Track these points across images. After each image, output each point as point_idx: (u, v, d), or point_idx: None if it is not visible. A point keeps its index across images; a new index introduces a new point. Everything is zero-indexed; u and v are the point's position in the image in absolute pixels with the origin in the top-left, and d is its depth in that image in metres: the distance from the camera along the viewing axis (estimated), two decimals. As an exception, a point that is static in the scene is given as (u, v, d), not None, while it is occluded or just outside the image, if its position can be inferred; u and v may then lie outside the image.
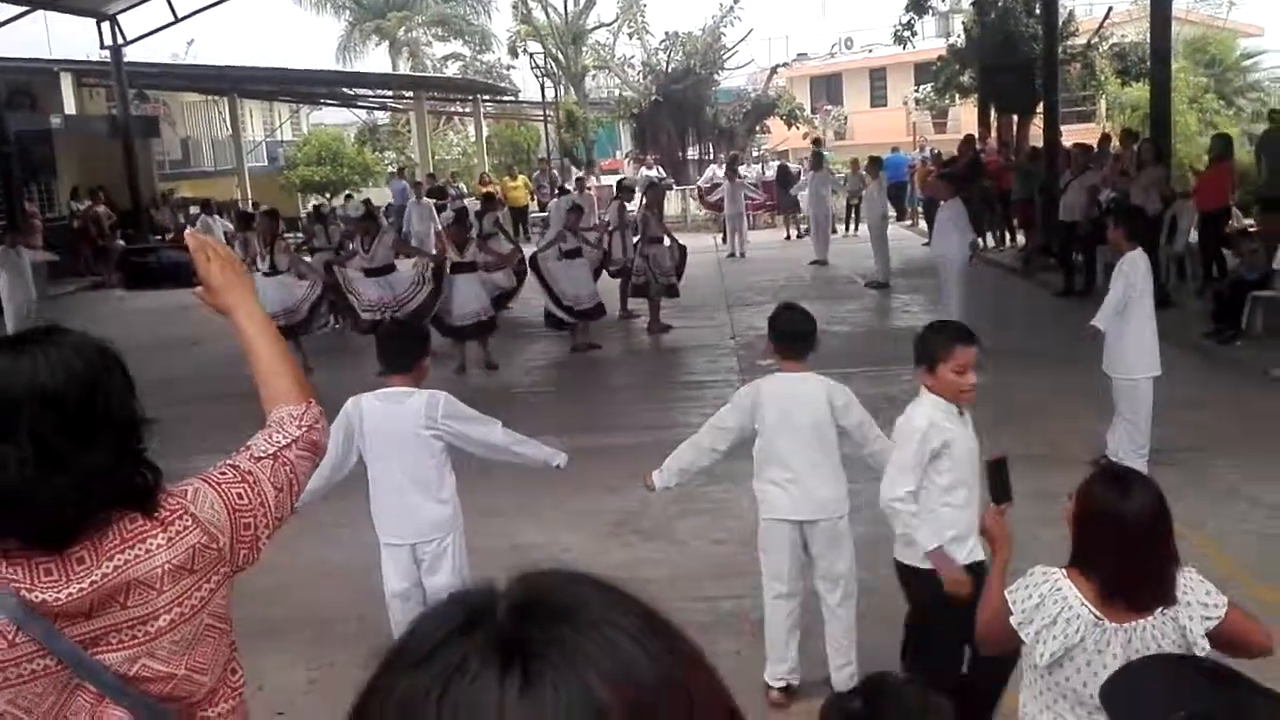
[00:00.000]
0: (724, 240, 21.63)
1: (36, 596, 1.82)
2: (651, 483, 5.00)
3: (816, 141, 26.43)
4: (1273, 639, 2.82)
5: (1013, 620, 2.87)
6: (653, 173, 27.72)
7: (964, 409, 4.34)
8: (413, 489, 4.67)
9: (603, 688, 0.68)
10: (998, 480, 3.35)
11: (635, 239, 14.00)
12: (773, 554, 4.92)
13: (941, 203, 12.41)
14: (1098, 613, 2.78)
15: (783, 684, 4.90)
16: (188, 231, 2.37)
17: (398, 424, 4.62)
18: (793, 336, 4.82)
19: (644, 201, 14.65)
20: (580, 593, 0.74)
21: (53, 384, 1.84)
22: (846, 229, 22.52)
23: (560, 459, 4.97)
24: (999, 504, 3.30)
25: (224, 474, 2.07)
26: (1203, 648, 2.76)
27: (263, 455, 2.13)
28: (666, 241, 13.92)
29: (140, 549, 1.90)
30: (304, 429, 2.20)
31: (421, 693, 0.69)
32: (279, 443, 2.16)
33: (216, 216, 20.34)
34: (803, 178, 21.58)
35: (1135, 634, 2.77)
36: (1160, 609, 2.77)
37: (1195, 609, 2.77)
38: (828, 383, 4.80)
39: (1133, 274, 7.11)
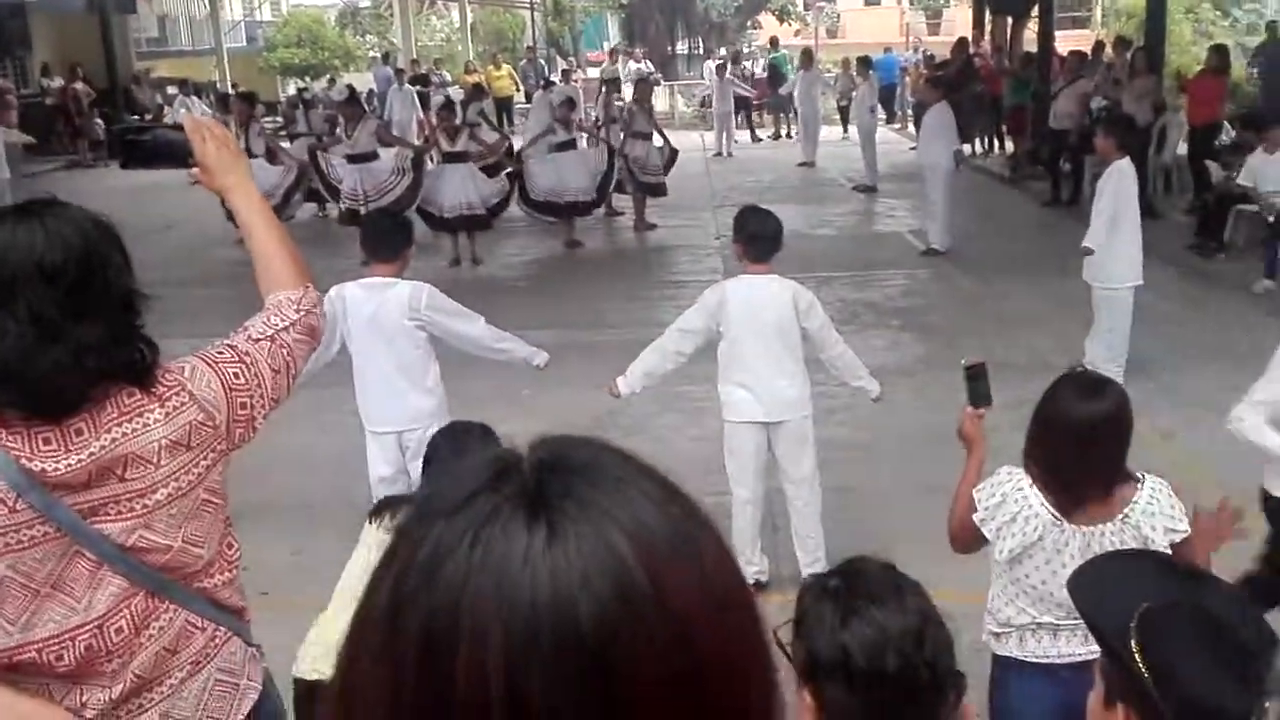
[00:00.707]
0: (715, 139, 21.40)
1: (36, 465, 1.85)
2: (616, 389, 5.04)
3: (774, 41, 26.46)
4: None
5: (975, 517, 2.96)
6: (640, 66, 27.29)
7: None
8: (397, 377, 4.71)
9: (621, 540, 0.71)
10: (976, 385, 3.39)
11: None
12: (739, 457, 4.98)
13: (929, 107, 12.31)
14: (1057, 514, 2.85)
15: (751, 582, 5.01)
16: (182, 113, 2.35)
17: (381, 313, 4.63)
18: (759, 238, 4.81)
19: (633, 95, 14.44)
20: (600, 455, 0.78)
21: (51, 256, 1.84)
22: (844, 130, 22.23)
23: (541, 358, 5.02)
24: (977, 408, 3.35)
25: (221, 353, 2.09)
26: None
27: (260, 337, 2.14)
28: (657, 140, 13.70)
29: (138, 423, 1.92)
30: (302, 313, 2.21)
31: (455, 538, 0.72)
32: (276, 325, 2.17)
33: (194, 98, 19.90)
34: (791, 77, 21.27)
35: (1094, 537, 2.84)
36: (1122, 515, 2.84)
37: (1159, 519, 2.84)
38: (793, 285, 4.86)
39: (1120, 183, 7.12)
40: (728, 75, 21.54)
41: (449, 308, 4.76)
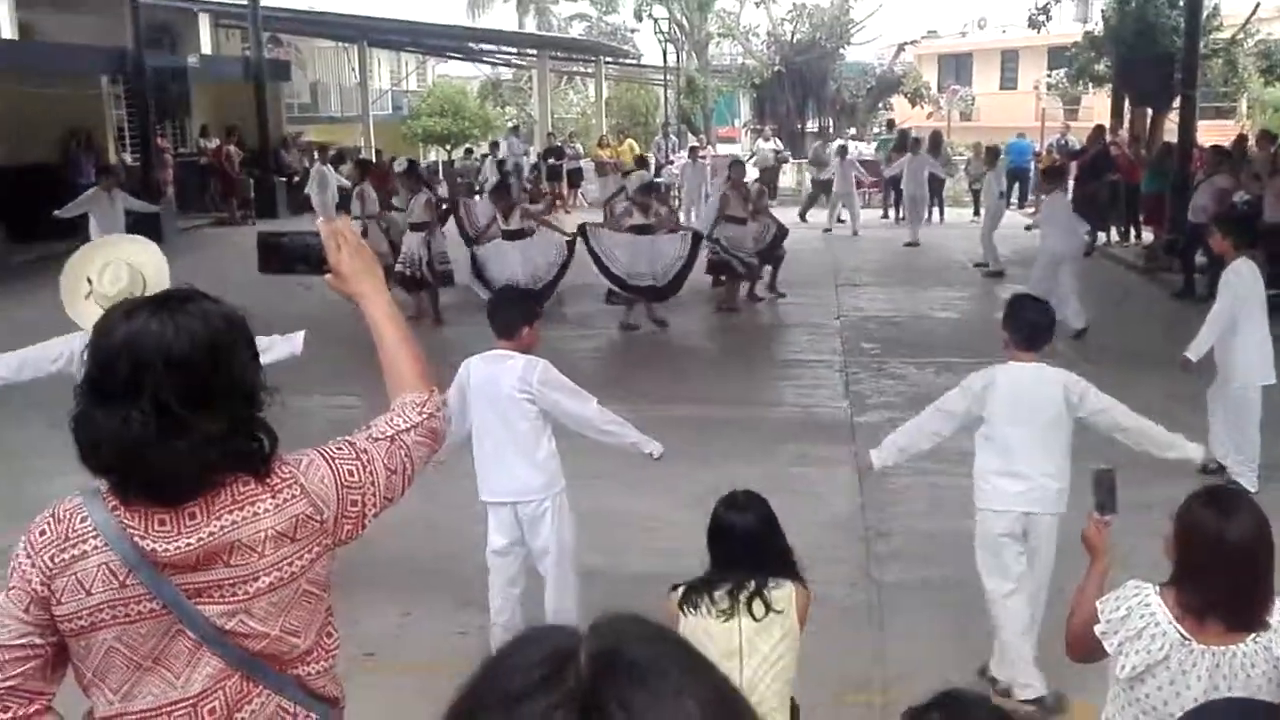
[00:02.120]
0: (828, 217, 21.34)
1: (149, 545, 1.94)
2: (870, 461, 5.02)
3: (889, 124, 26.61)
4: None
5: (1098, 629, 2.85)
6: (769, 144, 27.49)
7: None
8: (509, 449, 4.79)
9: None
10: (1104, 492, 3.30)
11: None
12: (994, 548, 4.80)
13: (1042, 197, 12.61)
14: (1185, 632, 2.74)
15: (1034, 694, 4.66)
16: (319, 220, 2.45)
17: (497, 385, 4.74)
18: (1031, 327, 4.77)
19: (727, 178, 14.36)
20: (660, 654, 0.77)
21: (179, 349, 1.93)
22: (975, 213, 21.93)
23: (654, 447, 5.02)
24: (1103, 515, 3.26)
25: (339, 449, 2.14)
26: None
27: (381, 437, 2.18)
28: (755, 222, 13.50)
29: (249, 511, 1.99)
30: (425, 416, 2.24)
31: None
32: (399, 426, 2.21)
33: (329, 167, 20.29)
34: (895, 160, 21.22)
35: (1224, 658, 2.72)
36: (1253, 636, 2.72)
37: None
38: (1064, 374, 4.76)
39: (1238, 285, 7.02)
40: (848, 157, 21.59)
41: (562, 383, 4.82)
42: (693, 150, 24.71)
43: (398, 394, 2.28)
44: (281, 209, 23.22)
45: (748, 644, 3.23)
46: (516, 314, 4.89)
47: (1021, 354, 4.76)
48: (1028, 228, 15.42)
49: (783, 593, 3.29)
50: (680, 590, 3.34)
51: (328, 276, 2.30)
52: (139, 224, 13.25)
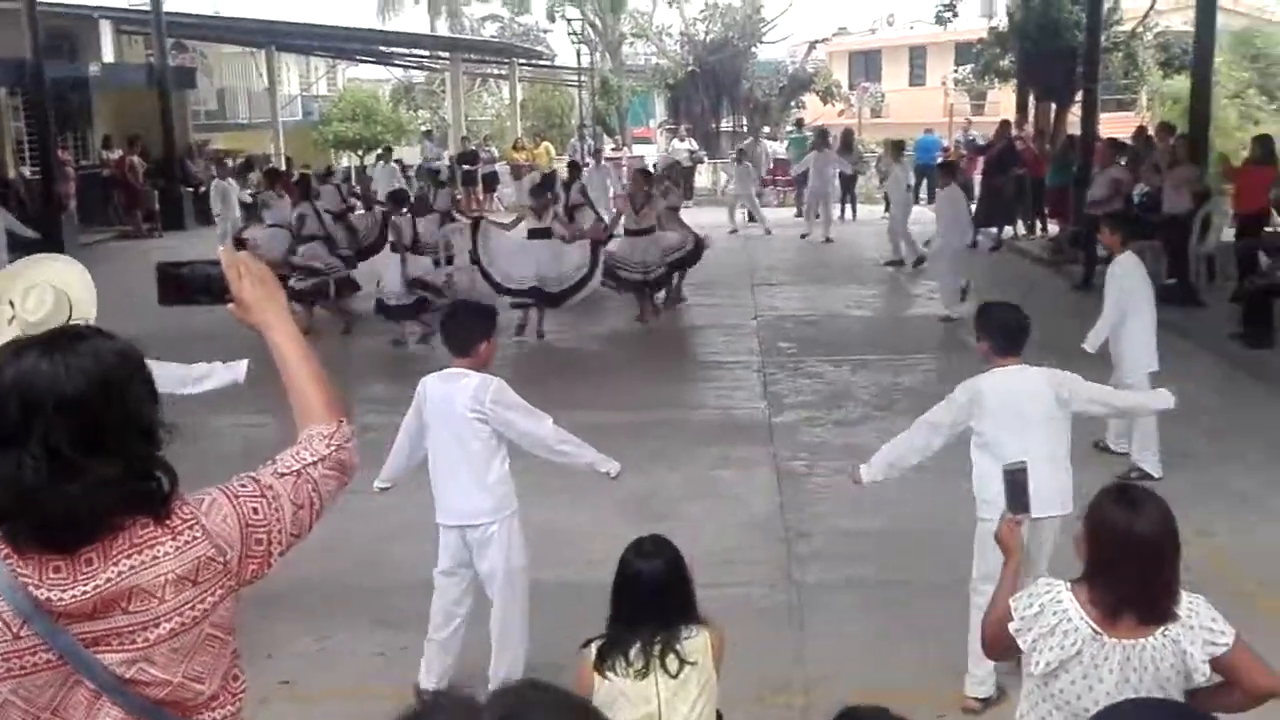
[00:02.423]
0: (746, 219, 21.45)
1: (43, 594, 1.87)
2: (859, 476, 4.95)
3: (799, 123, 27.31)
4: (1278, 684, 2.80)
5: (1011, 627, 2.89)
6: (685, 144, 27.60)
7: None
8: (461, 471, 4.68)
9: None
10: (1016, 491, 3.35)
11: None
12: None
13: (938, 190, 13.49)
14: (1097, 627, 2.79)
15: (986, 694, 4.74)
16: (220, 248, 2.38)
17: (451, 404, 4.64)
18: (1007, 331, 4.79)
19: (625, 188, 14.28)
20: None
21: (71, 390, 1.86)
22: (885, 209, 22.22)
23: (612, 466, 4.93)
24: (1015, 515, 3.31)
25: (243, 486, 2.08)
26: (1203, 674, 2.76)
27: (286, 471, 2.13)
28: (670, 232, 13.27)
29: (148, 555, 1.92)
30: (333, 448, 2.19)
31: None
32: (305, 460, 2.15)
33: (230, 181, 19.51)
34: (805, 157, 21.54)
35: (1135, 651, 2.77)
36: (1162, 630, 2.78)
37: (1199, 633, 2.77)
38: (1047, 371, 4.79)
39: (1124, 279, 7.31)
40: (747, 160, 21.88)
41: (515, 403, 4.69)
42: (597, 153, 24.71)
43: (305, 425, 2.23)
44: (189, 220, 22.73)
45: (666, 705, 3.15)
46: (473, 329, 4.77)
47: (1002, 359, 4.78)
48: None
49: (696, 643, 3.21)
50: (593, 650, 3.23)
51: (230, 306, 2.25)
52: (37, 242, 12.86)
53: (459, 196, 15.08)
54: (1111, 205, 13.44)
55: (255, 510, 2.05)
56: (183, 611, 1.95)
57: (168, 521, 1.95)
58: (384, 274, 12.12)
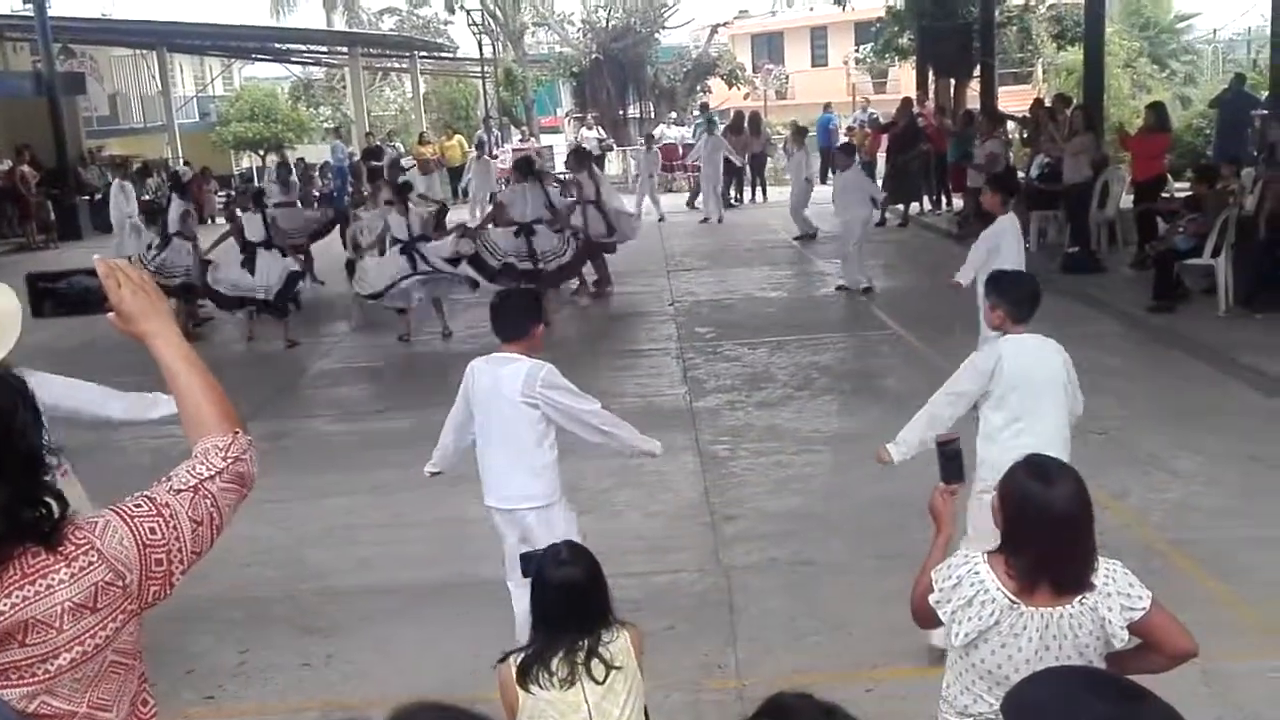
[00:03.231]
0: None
1: None
2: (889, 456, 4.85)
3: (704, 107, 27.99)
4: (1196, 646, 2.85)
5: (931, 599, 2.91)
6: (593, 133, 27.53)
7: None
8: (510, 455, 4.63)
9: None
10: (949, 461, 3.36)
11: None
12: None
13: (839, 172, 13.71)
14: (1014, 597, 2.82)
15: None
16: (95, 257, 2.26)
17: (500, 389, 4.57)
18: (1021, 300, 4.78)
19: (508, 179, 13.90)
20: None
21: None
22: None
23: (655, 445, 4.94)
24: (949, 484, 3.31)
25: (138, 505, 1.99)
26: (1122, 639, 2.80)
27: (183, 488, 2.04)
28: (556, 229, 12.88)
29: (41, 585, 1.83)
30: (229, 460, 2.11)
31: None
32: (201, 475, 2.07)
33: (127, 183, 18.88)
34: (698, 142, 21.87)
35: (1052, 619, 2.81)
36: (1079, 598, 2.81)
37: (1116, 599, 2.81)
38: (1053, 341, 4.80)
39: (999, 238, 7.58)
40: (654, 147, 22.24)
41: (564, 386, 4.62)
42: (480, 146, 24.54)
43: (198, 438, 2.14)
44: (86, 229, 22.09)
45: (596, 711, 3.09)
46: (524, 314, 4.68)
47: (1015, 325, 4.79)
48: None
49: (619, 645, 3.16)
50: (513, 663, 3.16)
51: (110, 316, 2.14)
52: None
53: (365, 192, 14.75)
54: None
55: (153, 530, 1.96)
56: (83, 640, 1.87)
57: (60, 549, 1.86)
58: None
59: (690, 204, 22.27)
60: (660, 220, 20.44)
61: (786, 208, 19.68)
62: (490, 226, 12.95)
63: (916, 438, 4.82)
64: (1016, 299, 4.85)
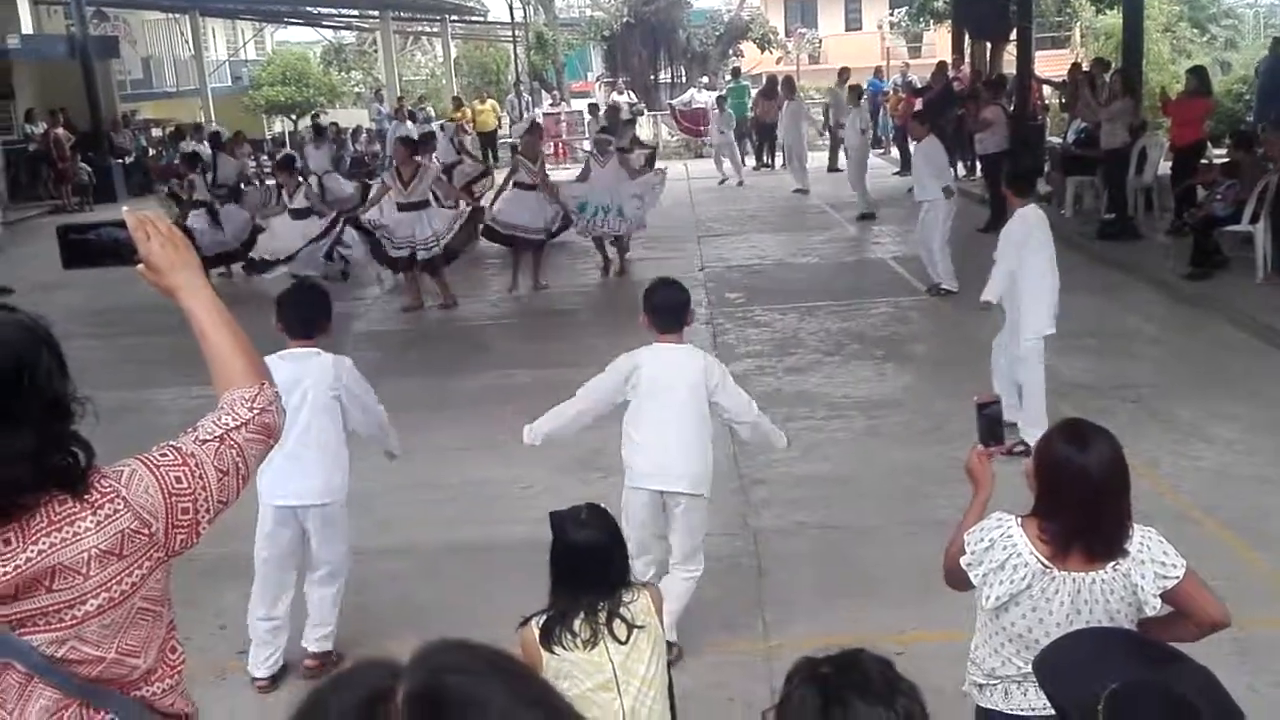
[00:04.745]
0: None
1: None
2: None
3: (736, 71, 27.41)
4: (1228, 615, 2.83)
5: (963, 561, 2.90)
6: (624, 97, 27.35)
7: None
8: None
9: None
10: (989, 423, 3.33)
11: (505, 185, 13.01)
12: None
13: (915, 143, 12.04)
14: (1046, 561, 2.81)
15: None
16: (125, 209, 2.28)
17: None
18: (667, 310, 4.80)
19: (517, 146, 13.71)
20: (480, 688, 0.73)
21: None
22: (832, 160, 22.09)
23: (395, 447, 5.09)
24: (987, 447, 3.28)
25: (164, 455, 2.02)
26: (1154, 606, 2.78)
27: (209, 438, 2.06)
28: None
29: (68, 532, 1.86)
30: (256, 412, 2.12)
31: None
32: (227, 425, 2.09)
33: (199, 142, 18.80)
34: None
35: (1084, 584, 2.79)
36: (1113, 564, 2.79)
37: (1150, 567, 2.79)
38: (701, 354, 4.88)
39: (1021, 234, 6.64)
40: (726, 110, 21.82)
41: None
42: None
43: (225, 390, 2.16)
44: (120, 193, 22.24)
45: (621, 670, 3.10)
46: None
47: (663, 335, 4.83)
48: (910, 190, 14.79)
49: (640, 605, 3.17)
50: (535, 626, 3.16)
51: (140, 268, 2.16)
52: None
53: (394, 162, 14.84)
54: (1001, 142, 13.54)
55: (179, 479, 1.99)
56: (110, 586, 1.90)
57: (86, 496, 1.89)
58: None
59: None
60: (740, 184, 20.33)
61: (819, 175, 19.55)
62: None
63: (546, 429, 4.85)
64: (659, 309, 4.80)
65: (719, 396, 4.70)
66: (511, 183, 12.72)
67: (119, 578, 1.91)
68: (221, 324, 2.19)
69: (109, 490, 1.92)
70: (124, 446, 2.11)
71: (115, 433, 2.24)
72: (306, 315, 4.65)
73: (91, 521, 1.88)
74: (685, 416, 4.65)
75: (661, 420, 4.63)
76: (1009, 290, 6.69)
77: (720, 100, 22.30)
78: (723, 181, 20.69)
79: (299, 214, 12.25)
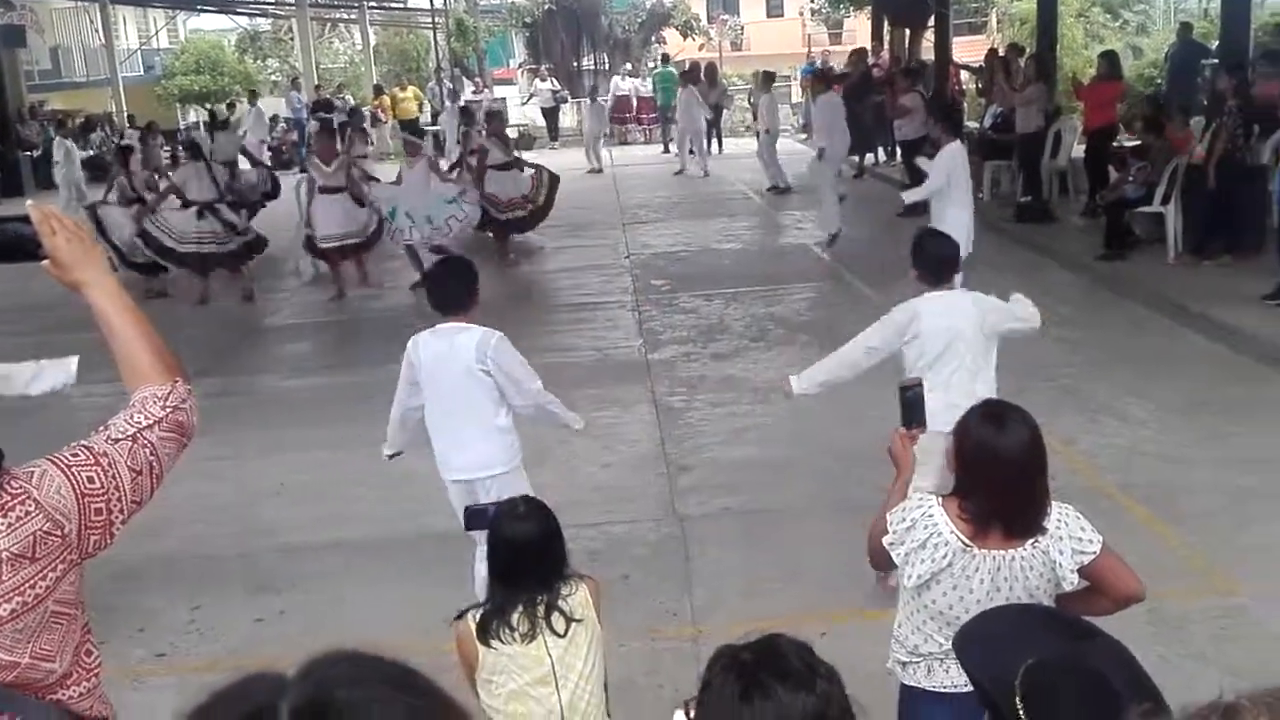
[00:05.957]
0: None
1: None
2: (789, 387, 5.00)
3: (665, 58, 27.67)
4: (1143, 589, 2.89)
5: (885, 540, 2.94)
6: (546, 85, 27.24)
7: None
8: (467, 425, 4.61)
9: None
10: (911, 406, 3.37)
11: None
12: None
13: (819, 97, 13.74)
14: (967, 540, 2.85)
15: None
16: (29, 203, 2.20)
17: (453, 359, 4.56)
18: (940, 261, 4.95)
19: (483, 130, 13.79)
20: (367, 697, 0.72)
21: None
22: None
23: (578, 422, 5.03)
24: (910, 429, 3.32)
25: (75, 455, 1.97)
26: (1071, 581, 2.83)
27: (120, 437, 2.02)
28: (526, 170, 13.22)
29: None
30: (168, 409, 2.08)
31: None
32: (140, 424, 2.04)
33: (71, 141, 18.26)
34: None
35: (1004, 562, 2.84)
36: (1032, 541, 2.84)
37: (1067, 543, 2.84)
38: (972, 295, 5.01)
39: (950, 164, 8.23)
40: (599, 99, 22.55)
41: (516, 356, 4.67)
42: (454, 95, 24.10)
43: (136, 387, 2.11)
44: (28, 187, 21.62)
45: (559, 664, 3.09)
46: (463, 284, 4.66)
47: (934, 287, 4.91)
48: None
49: (578, 598, 3.15)
50: (472, 619, 3.13)
51: (45, 264, 2.10)
52: None
53: (314, 147, 14.48)
54: (915, 132, 14.02)
55: (91, 479, 1.94)
56: (23, 590, 1.85)
57: None
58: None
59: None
60: (597, 172, 20.59)
61: (742, 161, 19.70)
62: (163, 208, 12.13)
63: (820, 378, 4.99)
64: (935, 259, 4.97)
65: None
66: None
67: (32, 581, 1.86)
68: (130, 320, 2.14)
69: (19, 492, 1.87)
70: (33, 447, 2.04)
71: (23, 433, 2.18)
72: (454, 290, 4.64)
73: (2, 524, 1.83)
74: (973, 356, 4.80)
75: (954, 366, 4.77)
76: (934, 222, 7.81)
77: (592, 91, 23.11)
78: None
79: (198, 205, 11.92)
